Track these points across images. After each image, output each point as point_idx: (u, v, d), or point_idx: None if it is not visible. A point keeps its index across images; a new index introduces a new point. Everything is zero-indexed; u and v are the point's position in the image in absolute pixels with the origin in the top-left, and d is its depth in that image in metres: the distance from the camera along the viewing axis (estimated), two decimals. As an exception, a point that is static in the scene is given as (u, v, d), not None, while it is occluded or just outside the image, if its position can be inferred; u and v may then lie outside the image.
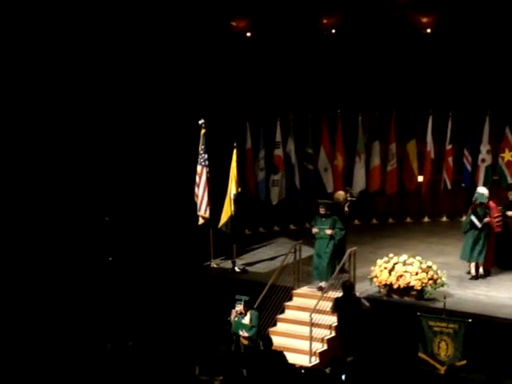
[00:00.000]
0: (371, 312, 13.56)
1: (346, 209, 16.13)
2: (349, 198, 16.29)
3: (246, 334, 13.22)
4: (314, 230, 15.08)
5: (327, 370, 11.12)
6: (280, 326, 14.80)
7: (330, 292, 14.56)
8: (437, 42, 19.39)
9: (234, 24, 19.59)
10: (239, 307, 13.43)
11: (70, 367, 10.91)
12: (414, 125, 20.01)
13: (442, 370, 12.99)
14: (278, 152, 19.59)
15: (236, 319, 13.45)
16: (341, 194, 16.46)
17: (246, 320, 13.36)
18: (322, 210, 15.06)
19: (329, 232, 14.92)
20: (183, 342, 13.30)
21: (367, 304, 13.47)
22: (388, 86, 19.72)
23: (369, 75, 19.78)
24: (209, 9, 18.68)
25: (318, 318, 14.19)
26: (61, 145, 17.94)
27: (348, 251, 14.99)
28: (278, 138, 19.54)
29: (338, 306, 13.66)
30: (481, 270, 15.63)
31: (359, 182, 19.99)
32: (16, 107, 17.31)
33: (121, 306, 15.47)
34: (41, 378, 10.53)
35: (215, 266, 16.95)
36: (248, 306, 13.49)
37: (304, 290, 15.44)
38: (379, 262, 14.74)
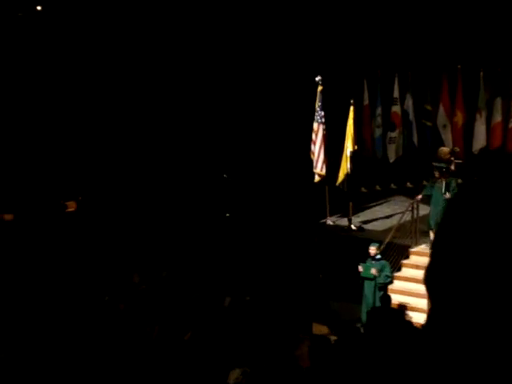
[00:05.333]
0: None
1: (453, 167, 15.78)
2: (452, 159, 15.82)
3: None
4: (359, 268, 13.84)
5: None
6: (397, 284, 14.70)
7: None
8: None
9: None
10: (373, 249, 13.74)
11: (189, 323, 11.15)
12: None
13: None
14: (396, 109, 19.33)
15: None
16: (443, 150, 16.03)
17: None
18: (372, 250, 13.83)
19: (373, 271, 13.59)
20: (298, 298, 13.43)
21: None
22: (511, 41, 19.08)
23: (491, 30, 19.18)
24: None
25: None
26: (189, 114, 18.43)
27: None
28: (396, 94, 19.27)
29: None
30: None
31: (479, 139, 19.54)
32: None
33: (238, 262, 15.74)
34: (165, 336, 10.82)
35: (331, 223, 16.98)
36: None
37: (421, 248, 15.28)
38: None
